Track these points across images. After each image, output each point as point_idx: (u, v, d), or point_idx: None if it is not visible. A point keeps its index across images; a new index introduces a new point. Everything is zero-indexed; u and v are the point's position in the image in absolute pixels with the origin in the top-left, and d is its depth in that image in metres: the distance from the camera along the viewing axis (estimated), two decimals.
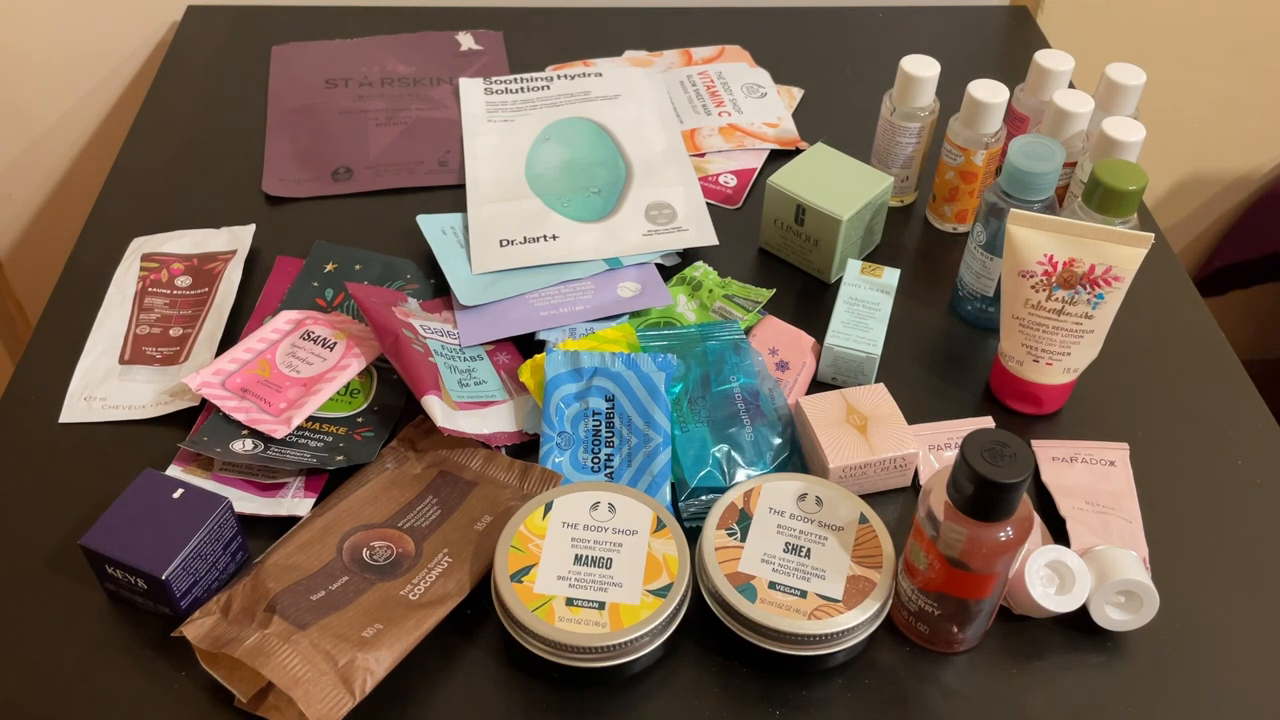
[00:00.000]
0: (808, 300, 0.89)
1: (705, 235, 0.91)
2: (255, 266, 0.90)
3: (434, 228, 0.90)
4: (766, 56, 1.15)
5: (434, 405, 0.73)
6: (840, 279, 0.89)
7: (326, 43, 1.14)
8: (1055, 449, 0.77)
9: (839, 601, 0.64)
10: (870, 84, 1.12)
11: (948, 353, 0.86)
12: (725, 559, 0.65)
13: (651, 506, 0.68)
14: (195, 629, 0.62)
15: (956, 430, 0.78)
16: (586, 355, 0.78)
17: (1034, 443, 0.78)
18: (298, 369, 0.79)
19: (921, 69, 0.90)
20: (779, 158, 1.02)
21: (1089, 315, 0.75)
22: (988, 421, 0.80)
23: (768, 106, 1.07)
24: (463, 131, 1.02)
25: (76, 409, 0.78)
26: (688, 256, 0.92)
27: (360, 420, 0.77)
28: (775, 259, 0.93)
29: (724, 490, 0.73)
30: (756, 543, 0.66)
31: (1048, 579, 0.67)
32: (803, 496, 0.69)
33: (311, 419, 0.76)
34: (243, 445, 0.73)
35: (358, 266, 0.88)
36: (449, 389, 0.76)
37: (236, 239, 0.90)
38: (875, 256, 0.93)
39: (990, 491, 0.58)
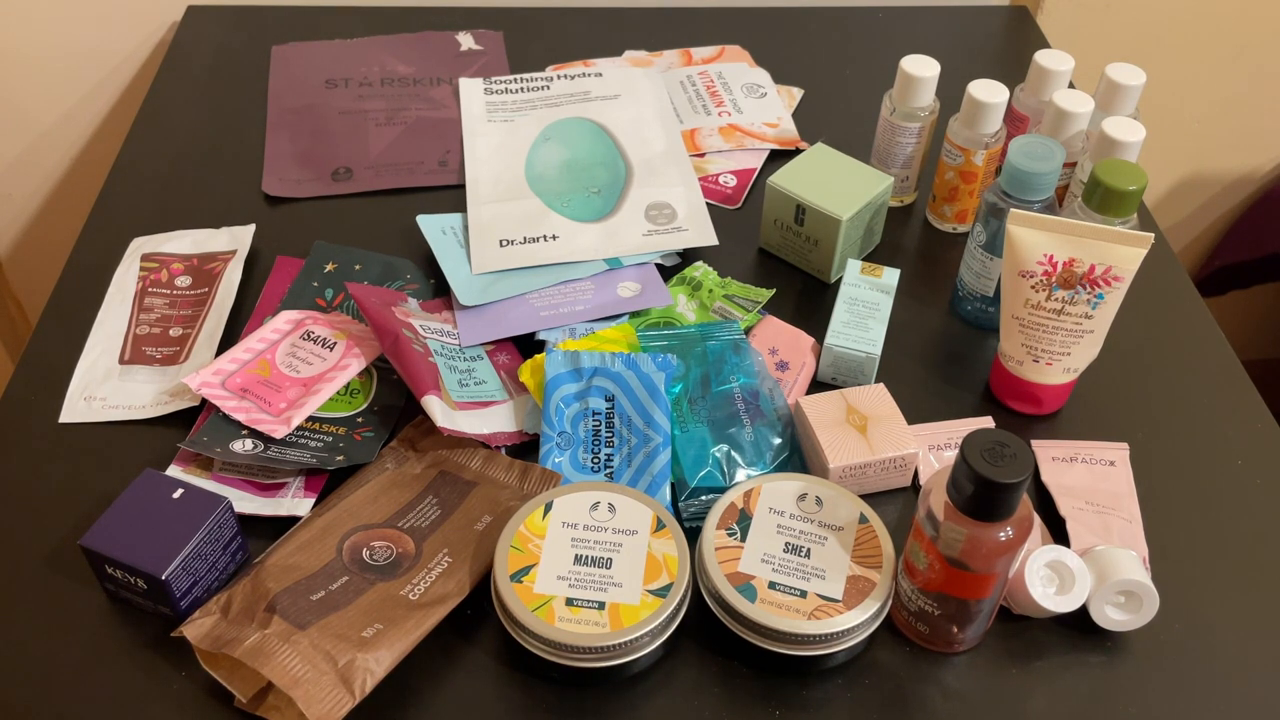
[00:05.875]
0: (808, 300, 0.89)
1: (705, 235, 0.91)
2: (255, 266, 0.90)
3: (434, 228, 0.90)
4: (766, 56, 1.15)
5: (434, 405, 0.73)
6: (840, 279, 0.89)
7: (326, 43, 1.14)
8: (1055, 449, 0.77)
9: (839, 601, 0.64)
10: (870, 84, 1.12)
11: (948, 353, 0.86)
12: (725, 559, 0.65)
13: (651, 506, 0.68)
14: (195, 629, 0.62)
15: (956, 430, 0.78)
16: (586, 355, 0.78)
17: (1034, 443, 0.78)
18: (298, 369, 0.79)
19: (921, 69, 0.90)
20: (779, 158, 1.02)
21: (1089, 315, 0.75)
22: (988, 421, 0.80)
23: (768, 106, 1.07)
24: (463, 131, 1.02)
25: (76, 409, 0.78)
26: (688, 256, 0.92)
27: (360, 420, 0.77)
28: (775, 259, 0.93)
29: (724, 490, 0.73)
30: (756, 543, 0.66)
31: (1048, 579, 0.67)
32: (803, 496, 0.69)
33: (311, 419, 0.76)
34: (243, 445, 0.73)
35: (358, 266, 0.88)
36: (449, 389, 0.76)
37: (236, 239, 0.90)
38: (875, 256, 0.93)
39: (990, 491, 0.58)
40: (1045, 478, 0.75)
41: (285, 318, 0.82)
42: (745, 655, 0.66)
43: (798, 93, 1.10)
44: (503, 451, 0.76)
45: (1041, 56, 0.91)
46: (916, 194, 0.98)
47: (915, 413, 0.79)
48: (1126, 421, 0.81)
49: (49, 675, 0.64)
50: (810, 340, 0.84)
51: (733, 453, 0.74)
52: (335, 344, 0.80)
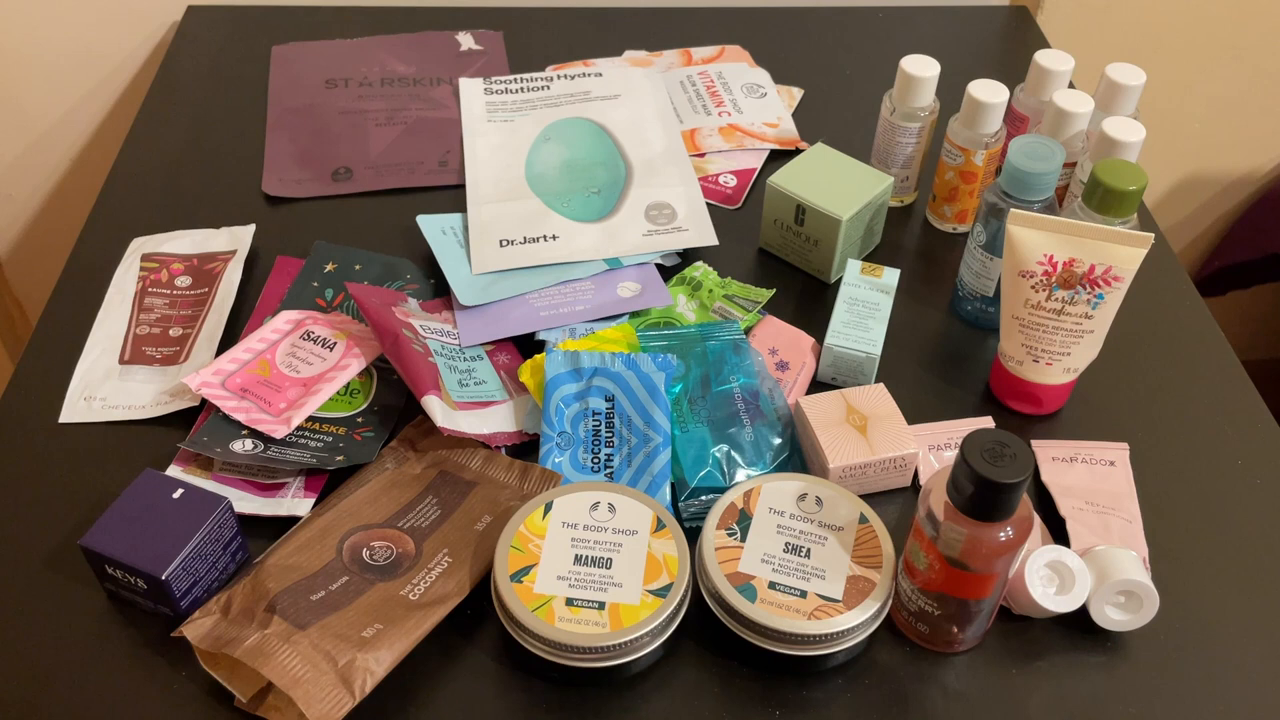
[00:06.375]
0: (808, 300, 0.89)
1: (705, 235, 0.91)
2: (255, 266, 0.90)
3: (434, 228, 0.90)
4: (766, 56, 1.15)
5: (434, 405, 0.73)
6: (840, 279, 0.89)
7: (326, 43, 1.14)
8: (1055, 449, 0.77)
9: (839, 601, 0.64)
10: (870, 84, 1.12)
11: (948, 353, 0.86)
12: (725, 559, 0.65)
13: (651, 506, 0.68)
14: (195, 629, 0.62)
15: (956, 430, 0.78)
16: (586, 355, 0.78)
17: (1034, 443, 0.78)
18: (298, 369, 0.79)
19: (921, 69, 0.90)
20: (779, 158, 1.02)
21: (1089, 315, 0.75)
22: (988, 421, 0.80)
23: (768, 106, 1.07)
24: (463, 131, 1.02)
25: (76, 409, 0.78)
26: (688, 256, 0.92)
27: (360, 420, 0.77)
28: (775, 259, 0.93)
29: (724, 490, 0.73)
30: (756, 543, 0.66)
31: (1048, 579, 0.67)
32: (803, 496, 0.69)
33: (311, 419, 0.76)
34: (243, 445, 0.73)
35: (358, 266, 0.88)
36: (449, 389, 0.76)
37: (236, 239, 0.90)
38: (875, 256, 0.93)
39: (990, 491, 0.58)
40: (1045, 478, 0.75)
41: (285, 318, 0.82)
42: (745, 655, 0.66)
43: (798, 93, 1.10)
44: (503, 451, 0.76)
45: (1041, 56, 0.91)
46: (916, 194, 0.98)
47: (915, 413, 0.79)
48: (1126, 421, 0.81)
49: (49, 675, 0.64)
50: (810, 340, 0.84)
51: (733, 453, 0.74)
52: (335, 344, 0.80)
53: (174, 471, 0.73)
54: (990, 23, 1.22)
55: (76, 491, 0.73)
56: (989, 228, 0.82)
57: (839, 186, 0.88)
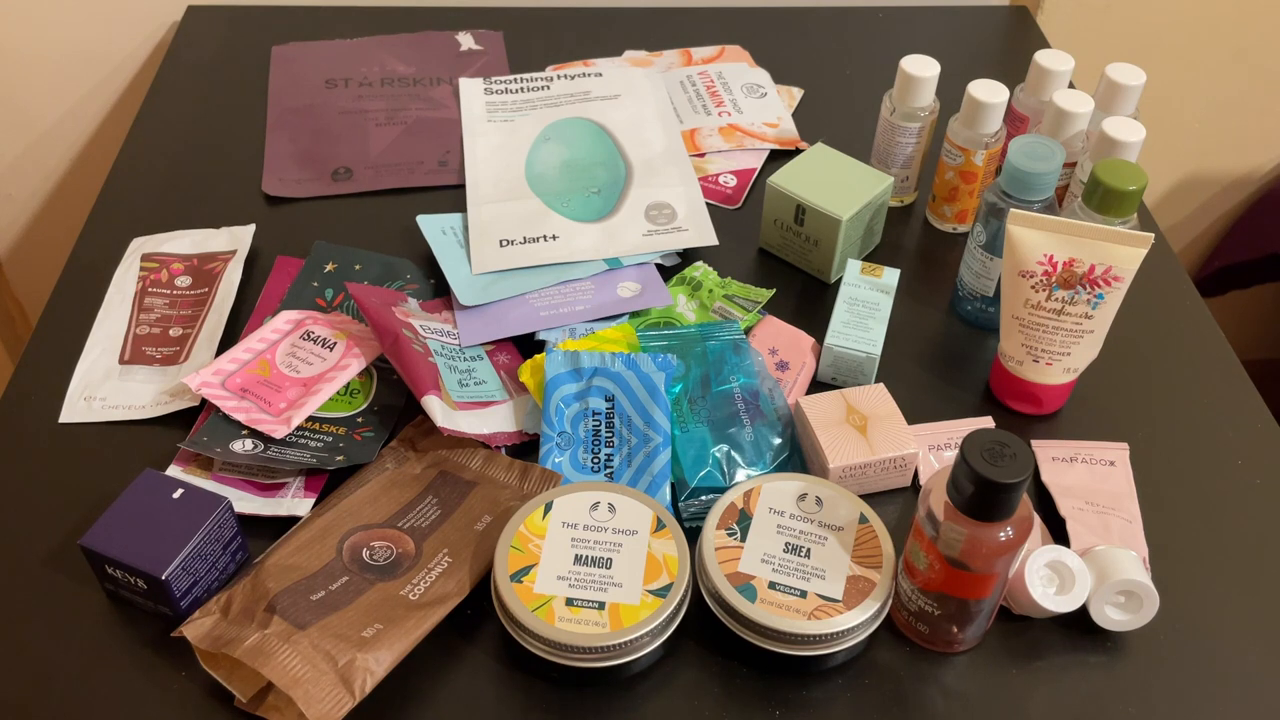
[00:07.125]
0: (808, 300, 0.89)
1: (705, 235, 0.91)
2: (255, 266, 0.90)
3: (434, 228, 0.90)
4: (766, 56, 1.15)
5: (434, 405, 0.73)
6: (840, 279, 0.89)
7: (326, 43, 1.14)
8: (1055, 449, 0.77)
9: (839, 601, 0.64)
10: (870, 84, 1.12)
11: (948, 353, 0.86)
12: (725, 559, 0.65)
13: (651, 506, 0.68)
14: (195, 629, 0.62)
15: (956, 430, 0.78)
16: (586, 355, 0.78)
17: (1034, 443, 0.78)
18: (298, 369, 0.79)
19: (921, 69, 0.90)
20: (779, 158, 1.02)
21: (1089, 315, 0.75)
22: (988, 421, 0.80)
23: (768, 106, 1.07)
24: (463, 131, 1.02)
25: (76, 409, 0.78)
26: (688, 256, 0.92)
27: (360, 420, 0.77)
28: (775, 259, 0.93)
29: (724, 490, 0.73)
30: (756, 543, 0.66)
31: (1048, 579, 0.67)
32: (803, 496, 0.69)
33: (311, 419, 0.76)
34: (243, 445, 0.73)
35: (358, 266, 0.88)
36: (449, 389, 0.76)
37: (236, 239, 0.90)
38: (875, 256, 0.93)
39: (990, 491, 0.58)
40: (1045, 478, 0.75)
41: (285, 318, 0.82)
42: (745, 655, 0.66)
43: (798, 93, 1.10)
44: (503, 451, 0.76)
45: (1041, 56, 0.91)
46: (916, 194, 0.98)
47: (915, 413, 0.79)
48: (1126, 421, 0.81)
49: (49, 675, 0.64)
50: (810, 340, 0.84)
51: (733, 453, 0.74)
52: (335, 344, 0.80)
53: (174, 471, 0.73)
54: (990, 23, 1.22)
55: (76, 491, 0.73)
56: (989, 228, 0.82)
57: (839, 186, 0.88)
